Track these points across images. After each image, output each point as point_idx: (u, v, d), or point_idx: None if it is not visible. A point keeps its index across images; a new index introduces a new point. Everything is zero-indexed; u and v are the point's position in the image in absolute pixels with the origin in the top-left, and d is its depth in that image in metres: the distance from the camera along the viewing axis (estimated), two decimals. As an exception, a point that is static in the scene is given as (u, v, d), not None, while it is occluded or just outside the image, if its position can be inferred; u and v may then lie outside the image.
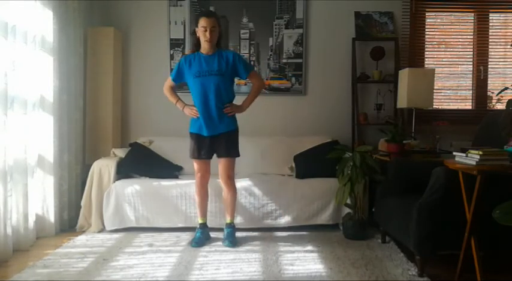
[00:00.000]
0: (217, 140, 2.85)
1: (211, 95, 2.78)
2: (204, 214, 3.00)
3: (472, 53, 4.13)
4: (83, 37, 3.68)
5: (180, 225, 3.16)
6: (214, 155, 2.92)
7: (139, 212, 3.16)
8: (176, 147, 3.70)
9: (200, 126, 2.84)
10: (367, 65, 4.03)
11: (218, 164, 2.91)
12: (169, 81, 2.97)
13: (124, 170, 3.34)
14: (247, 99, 2.95)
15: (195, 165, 2.93)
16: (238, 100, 2.98)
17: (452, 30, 4.17)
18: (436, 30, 4.17)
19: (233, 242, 2.85)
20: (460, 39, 4.16)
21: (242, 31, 4.07)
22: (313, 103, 4.09)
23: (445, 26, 4.18)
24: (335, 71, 4.08)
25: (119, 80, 3.98)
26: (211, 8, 4.03)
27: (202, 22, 2.75)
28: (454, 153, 2.24)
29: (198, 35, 2.82)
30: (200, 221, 2.99)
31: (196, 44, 2.87)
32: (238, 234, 3.06)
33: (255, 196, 3.17)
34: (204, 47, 2.82)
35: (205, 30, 2.75)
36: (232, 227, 2.95)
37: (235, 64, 2.84)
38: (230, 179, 2.91)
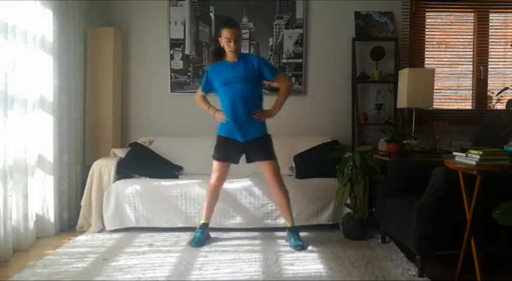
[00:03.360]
0: (250, 147, 2.85)
1: (238, 102, 2.77)
2: (209, 215, 2.99)
3: (472, 53, 4.13)
4: (83, 37, 3.68)
5: (180, 225, 3.15)
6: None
7: (139, 212, 3.16)
8: (176, 147, 3.71)
9: (230, 130, 2.84)
10: (367, 65, 4.03)
11: (262, 171, 2.88)
12: (199, 92, 3.02)
13: (124, 170, 3.34)
14: (276, 103, 2.91)
15: (215, 165, 2.91)
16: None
17: (452, 30, 4.17)
18: (436, 30, 4.17)
19: (303, 245, 2.79)
20: (460, 39, 4.16)
21: (242, 31, 4.07)
22: (313, 103, 4.09)
23: (445, 26, 4.18)
24: (335, 71, 4.08)
25: (118, 80, 3.98)
26: (211, 9, 4.03)
27: (226, 33, 2.75)
28: (454, 153, 2.24)
29: (221, 44, 2.81)
30: (203, 222, 2.98)
31: (218, 53, 2.88)
32: (238, 234, 3.08)
33: (255, 196, 3.17)
34: (229, 56, 2.83)
35: (230, 41, 2.75)
36: (296, 230, 2.89)
37: (260, 68, 2.83)
38: (277, 180, 2.85)
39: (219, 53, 2.87)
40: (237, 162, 2.94)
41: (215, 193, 2.96)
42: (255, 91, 2.86)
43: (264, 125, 2.92)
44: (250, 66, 2.82)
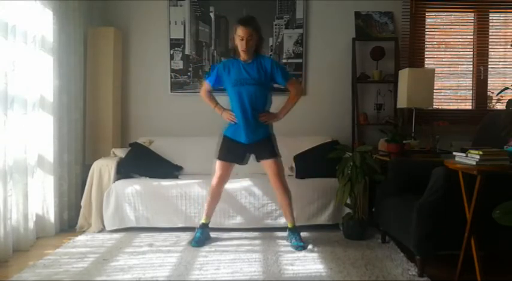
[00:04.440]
0: (255, 147, 2.84)
1: (248, 103, 2.75)
2: (209, 215, 2.99)
3: (472, 53, 4.13)
4: (83, 37, 3.68)
5: (180, 225, 3.15)
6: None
7: (139, 212, 3.16)
8: (176, 147, 3.70)
9: (236, 132, 2.83)
10: (367, 65, 4.03)
11: (265, 169, 2.87)
12: (206, 85, 2.94)
13: (124, 170, 3.34)
14: (284, 108, 2.90)
15: (218, 165, 2.88)
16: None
17: (452, 30, 4.17)
18: (436, 30, 4.17)
19: (304, 246, 2.80)
20: (460, 39, 4.16)
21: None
22: (313, 103, 4.09)
23: (445, 26, 4.18)
24: (335, 71, 4.08)
25: (119, 80, 3.98)
26: (211, 9, 4.03)
27: (239, 31, 2.70)
28: (454, 153, 2.24)
29: (235, 42, 2.77)
30: (203, 221, 2.98)
31: (234, 51, 2.83)
32: (238, 234, 3.08)
33: (255, 196, 3.17)
34: (241, 55, 2.78)
35: (242, 40, 2.69)
36: (297, 231, 2.89)
37: (272, 72, 2.80)
38: (280, 180, 2.84)
39: (236, 51, 2.81)
40: (241, 163, 2.91)
41: (216, 194, 2.95)
42: (265, 94, 2.83)
43: (271, 127, 2.91)
44: (263, 69, 2.78)
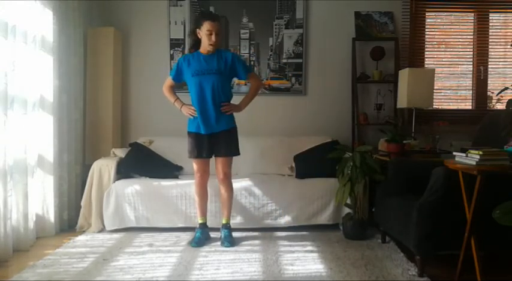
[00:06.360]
0: (216, 139, 2.86)
1: (208, 93, 2.79)
2: (203, 213, 3.00)
3: (472, 53, 4.13)
4: (83, 37, 3.68)
5: (180, 225, 3.16)
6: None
7: (139, 212, 3.16)
8: (176, 147, 3.69)
9: (198, 125, 2.85)
10: (367, 65, 4.04)
11: (215, 162, 2.93)
12: (169, 81, 2.99)
13: (124, 170, 3.34)
14: (245, 99, 2.98)
15: (194, 165, 2.93)
16: (237, 100, 2.99)
17: (452, 30, 4.17)
18: (436, 30, 4.17)
19: (232, 242, 2.86)
20: (460, 39, 4.16)
21: (242, 31, 4.07)
22: (313, 103, 4.09)
23: (445, 26, 4.18)
24: (335, 71, 4.08)
25: (119, 80, 3.98)
26: (211, 9, 4.03)
27: (208, 26, 2.75)
28: (454, 153, 2.24)
29: (199, 36, 2.83)
30: (200, 221, 2.99)
31: (195, 45, 2.90)
32: (238, 234, 3.07)
33: (255, 196, 3.17)
34: (208, 49, 2.82)
35: (211, 34, 2.76)
36: (229, 228, 2.95)
37: (234, 65, 2.87)
38: (227, 177, 2.92)
39: (196, 44, 2.88)
40: (209, 156, 2.93)
41: (202, 193, 2.98)
42: (225, 85, 2.88)
43: (232, 119, 2.93)
44: (223, 60, 2.85)
